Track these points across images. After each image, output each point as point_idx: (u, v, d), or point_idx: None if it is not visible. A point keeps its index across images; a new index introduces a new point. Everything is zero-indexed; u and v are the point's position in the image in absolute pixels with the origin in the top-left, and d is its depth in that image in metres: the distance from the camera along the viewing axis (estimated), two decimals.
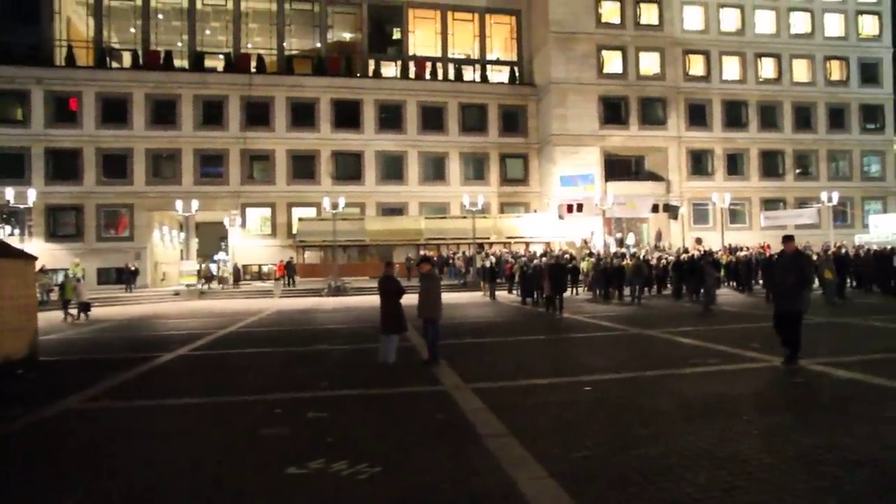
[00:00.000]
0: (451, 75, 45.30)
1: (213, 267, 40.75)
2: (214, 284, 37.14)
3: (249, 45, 43.43)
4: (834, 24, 47.57)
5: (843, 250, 26.50)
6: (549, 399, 7.84)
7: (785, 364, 9.23)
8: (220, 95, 40.40)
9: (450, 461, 5.51)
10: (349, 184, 41.58)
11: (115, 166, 38.80)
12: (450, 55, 45.92)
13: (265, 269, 37.13)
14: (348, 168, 42.42)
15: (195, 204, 35.07)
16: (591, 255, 30.34)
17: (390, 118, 42.90)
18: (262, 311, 23.82)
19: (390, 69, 45.29)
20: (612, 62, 43.10)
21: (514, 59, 47.07)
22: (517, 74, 46.48)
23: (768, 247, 33.80)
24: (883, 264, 24.07)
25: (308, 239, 38.84)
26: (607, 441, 5.92)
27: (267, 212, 41.55)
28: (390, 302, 10.58)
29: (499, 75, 46.87)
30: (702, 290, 19.97)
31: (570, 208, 38.43)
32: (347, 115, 42.12)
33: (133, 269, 34.76)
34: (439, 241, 39.90)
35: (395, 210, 42.66)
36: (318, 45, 44.27)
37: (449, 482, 4.98)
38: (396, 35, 45.86)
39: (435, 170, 43.67)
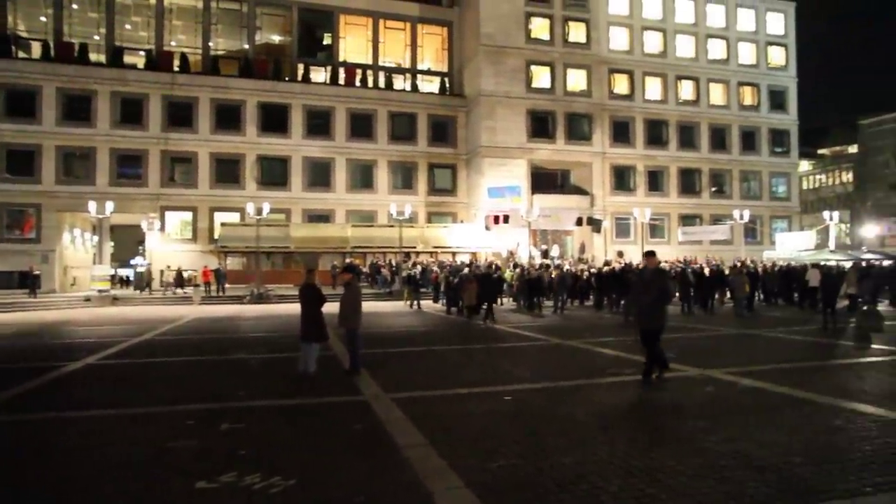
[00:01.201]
0: (382, 83, 45.17)
1: (141, 271, 38.63)
2: (131, 290, 35.41)
3: (173, 43, 41.96)
4: (747, 53, 50.28)
5: (753, 265, 27.84)
6: (469, 409, 7.79)
7: (659, 377, 9.20)
8: (140, 93, 38.79)
9: (366, 472, 5.39)
10: (275, 189, 40.71)
11: (21, 163, 36.50)
12: (380, 63, 45.80)
13: (185, 274, 35.68)
14: (274, 173, 41.53)
15: (110, 206, 33.44)
16: (516, 266, 30.73)
17: (319, 124, 42.31)
18: (180, 318, 22.88)
19: (320, 74, 44.71)
20: (541, 77, 44.03)
21: (445, 69, 47.41)
22: (447, 85, 46.81)
23: (695, 260, 35.00)
24: (789, 280, 25.48)
25: (231, 244, 37.70)
26: (525, 450, 5.92)
27: (188, 216, 40.10)
28: (311, 310, 10.32)
29: (429, 85, 47.08)
30: (622, 302, 20.50)
31: (496, 219, 38.89)
32: (274, 120, 41.28)
33: (36, 272, 32.68)
34: (366, 250, 39.55)
35: (322, 217, 42.04)
36: (246, 46, 43.24)
37: (364, 494, 4.86)
38: (327, 40, 45.36)
39: (363, 178, 43.32)
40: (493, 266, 28.27)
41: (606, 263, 29.77)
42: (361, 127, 43.05)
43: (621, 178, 46.01)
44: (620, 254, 37.15)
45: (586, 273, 27.75)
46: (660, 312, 9.16)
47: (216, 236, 38.63)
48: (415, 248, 39.18)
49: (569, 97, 44.25)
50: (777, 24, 51.47)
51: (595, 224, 40.95)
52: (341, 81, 43.99)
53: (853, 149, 69.49)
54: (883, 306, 22.35)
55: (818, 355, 11.86)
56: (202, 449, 6.21)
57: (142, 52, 41.04)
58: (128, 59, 40.44)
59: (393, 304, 28.77)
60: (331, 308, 10.29)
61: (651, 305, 9.10)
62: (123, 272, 43.11)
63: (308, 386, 9.37)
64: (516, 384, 9.20)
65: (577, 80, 44.81)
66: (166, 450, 6.16)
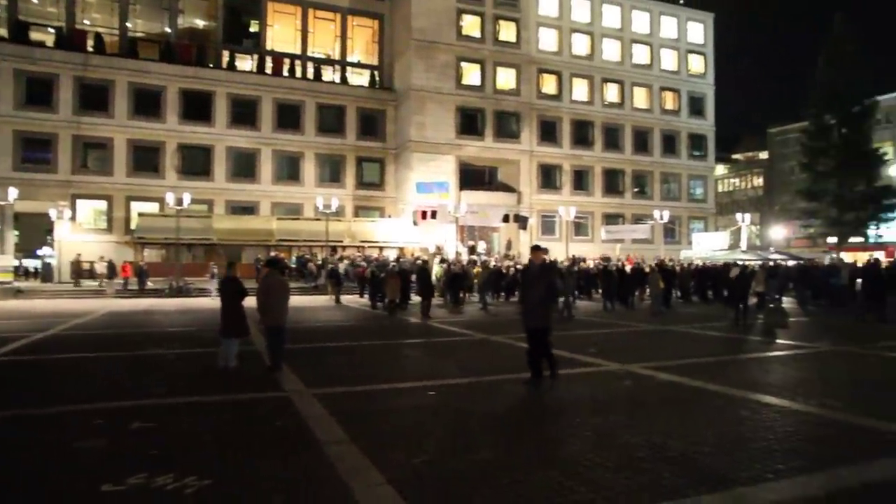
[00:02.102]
0: (310, 74, 44.32)
1: (49, 262, 36.17)
2: (38, 283, 33.26)
3: (86, 22, 39.82)
4: (669, 60, 52.18)
5: (672, 264, 28.92)
6: (393, 404, 7.72)
7: (552, 380, 8.70)
8: (50, 73, 36.57)
9: (285, 470, 5.23)
10: (197, 179, 39.35)
11: None
12: (309, 53, 44.96)
13: (99, 266, 33.80)
14: (196, 163, 40.10)
15: (13, 192, 31.42)
16: (443, 261, 30.82)
17: (244, 113, 41.12)
18: (92, 312, 21.73)
19: (246, 63, 43.44)
20: (471, 74, 44.28)
21: (376, 63, 47.00)
22: (377, 78, 46.42)
23: (631, 258, 35.92)
24: (704, 278, 26.63)
25: (149, 236, 36.08)
26: (447, 446, 5.90)
27: (102, 205, 38.20)
28: (232, 304, 10.00)
29: (359, 78, 46.57)
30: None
31: (424, 215, 38.87)
32: (197, 107, 39.84)
33: None
34: (291, 243, 38.75)
35: (246, 209, 40.93)
36: (168, 29, 41.56)
37: (283, 492, 4.71)
38: (254, 27, 44.12)
39: (289, 170, 42.45)
40: (417, 260, 28.27)
41: (531, 260, 30.24)
42: (288, 118, 42.14)
43: (548, 177, 46.88)
44: (546, 251, 37.82)
45: (512, 269, 28.10)
46: (547, 310, 8.69)
47: (133, 227, 36.97)
48: (342, 242, 38.72)
49: (498, 95, 44.70)
50: (697, 33, 53.65)
51: (521, 221, 41.57)
52: (268, 70, 42.96)
53: (764, 155, 73.31)
54: (788, 303, 23.62)
55: (729, 350, 12.40)
56: (111, 449, 5.86)
57: (51, 29, 38.72)
58: (35, 35, 38.07)
59: (318, 298, 28.32)
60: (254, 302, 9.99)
61: (538, 303, 8.59)
62: (29, 263, 40.59)
63: (227, 382, 9.06)
64: (440, 379, 9.18)
65: (506, 78, 45.31)
66: (70, 452, 5.78)
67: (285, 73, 43.20)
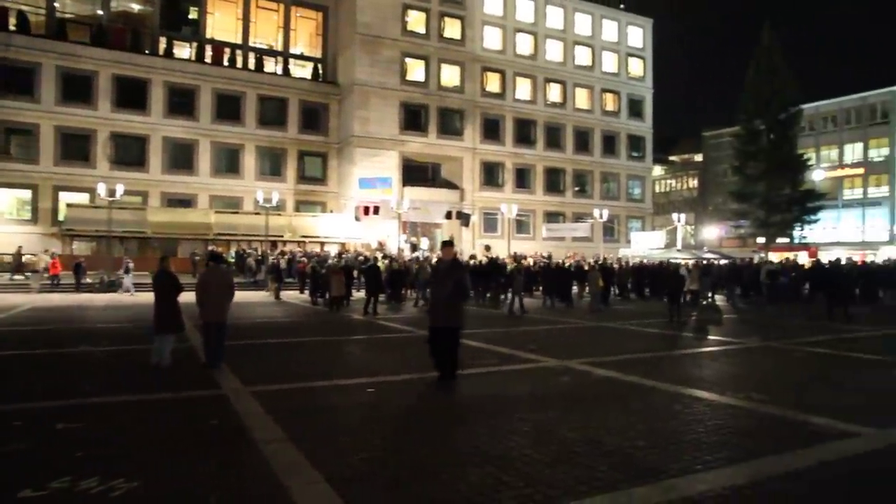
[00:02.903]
0: (252, 65, 43.35)
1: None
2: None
3: None
4: (610, 62, 53.32)
5: (610, 262, 29.57)
6: (331, 401, 7.62)
7: (441, 382, 8.39)
8: None
9: (220, 470, 5.09)
10: (131, 170, 37.99)
11: None
12: (251, 43, 43.97)
13: (24, 258, 32.03)
14: (130, 153, 38.69)
15: None
16: (384, 257, 30.66)
17: (181, 103, 39.91)
18: (15, 307, 20.69)
19: (184, 50, 42.17)
20: (416, 70, 44.16)
21: (319, 55, 46.39)
22: (321, 72, 45.79)
23: (574, 255, 36.28)
24: (640, 276, 27.34)
25: (78, 228, 34.58)
26: (386, 443, 5.86)
27: (27, 194, 36.44)
28: (166, 299, 9.69)
29: (302, 70, 45.84)
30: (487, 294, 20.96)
31: (366, 210, 38.54)
32: (132, 95, 38.43)
33: None
34: (230, 237, 37.87)
35: (184, 202, 39.78)
36: (100, 12, 39.91)
37: (217, 492, 4.57)
38: (193, 14, 42.85)
39: (229, 162, 41.47)
40: (376, 259, 28.04)
41: (472, 257, 30.45)
42: (228, 109, 41.13)
43: (490, 174, 47.24)
44: (487, 247, 38.13)
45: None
46: (457, 309, 8.29)
47: (61, 218, 35.38)
48: (282, 236, 38.06)
49: (442, 92, 44.74)
50: (636, 37, 55.00)
51: (464, 218, 41.76)
52: (208, 59, 41.79)
53: (699, 157, 75.68)
54: (720, 301, 24.49)
55: (664, 346, 12.74)
56: (32, 453, 5.56)
57: None
58: None
59: (257, 294, 27.75)
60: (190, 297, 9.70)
61: (447, 301, 8.23)
62: None
63: (161, 380, 8.77)
64: (380, 376, 9.11)
65: (450, 75, 45.39)
66: None
67: (225, 63, 42.14)
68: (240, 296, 24.51)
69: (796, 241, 47.66)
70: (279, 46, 45.22)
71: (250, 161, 41.89)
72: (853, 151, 59.25)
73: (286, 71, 44.83)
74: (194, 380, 8.79)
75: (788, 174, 46.60)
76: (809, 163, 50.33)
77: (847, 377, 9.47)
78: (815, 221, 47.99)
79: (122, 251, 35.32)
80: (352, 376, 9.13)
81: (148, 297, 12.37)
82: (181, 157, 39.99)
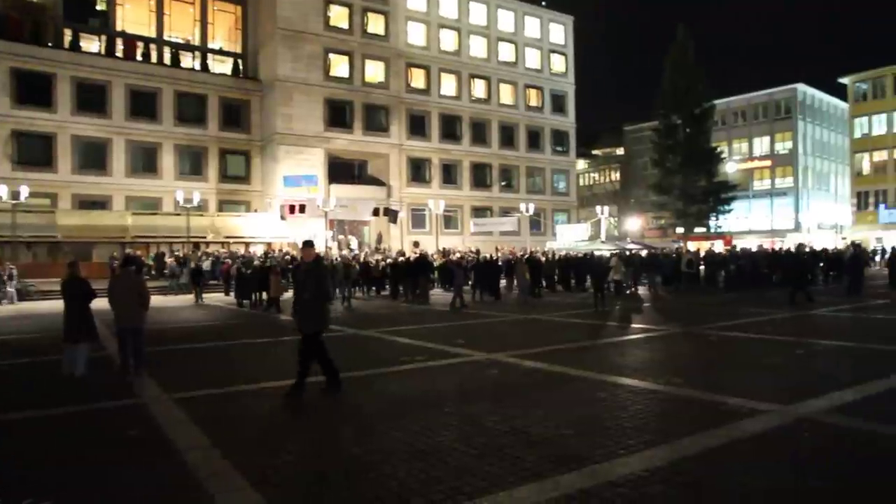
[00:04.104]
0: (168, 60, 41.74)
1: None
2: None
3: None
4: (533, 58, 54.21)
5: (537, 255, 30.04)
6: (258, 405, 7.43)
7: (329, 388, 7.96)
8: None
9: (140, 482, 4.87)
10: (36, 171, 35.93)
11: None
12: (166, 38, 42.34)
13: None
14: (35, 152, 36.55)
15: None
16: None
17: (91, 99, 38.00)
18: None
19: (92, 44, 40.16)
20: (339, 66, 43.62)
21: (239, 50, 45.17)
22: (241, 67, 44.59)
23: (514, 250, 36.62)
24: (567, 268, 27.92)
25: None
26: (313, 444, 5.77)
27: None
28: (77, 306, 9.19)
29: (221, 66, 44.51)
30: (417, 290, 20.94)
31: (292, 209, 37.78)
32: (34, 90, 36.31)
33: None
34: (149, 240, 36.35)
35: (97, 204, 37.90)
36: None
37: None
38: (101, 5, 40.87)
39: (146, 161, 39.84)
40: (284, 255, 27.51)
41: (401, 254, 30.37)
42: (143, 106, 39.48)
43: (417, 170, 47.25)
44: (416, 244, 38.15)
45: (382, 263, 28.04)
46: (320, 311, 7.96)
47: None
48: (205, 238, 36.85)
49: (367, 88, 44.38)
50: (558, 34, 56.13)
51: (391, 215, 41.60)
52: (119, 54, 39.93)
53: (620, 151, 78.01)
54: (642, 290, 25.30)
55: (590, 336, 13.03)
56: None
57: None
58: None
59: (179, 297, 26.81)
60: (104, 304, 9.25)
61: (309, 303, 7.87)
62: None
63: (74, 391, 8.30)
64: (309, 377, 8.90)
65: (375, 71, 45.08)
66: None
67: (139, 58, 40.40)
68: (161, 300, 23.98)
69: (712, 230, 49.86)
70: (196, 41, 43.73)
71: (169, 160, 40.36)
72: (761, 145, 62.55)
73: (204, 66, 43.40)
74: (111, 390, 8.37)
75: (703, 167, 48.73)
76: (722, 156, 52.82)
77: (757, 358, 9.93)
78: (729, 211, 50.39)
79: (30, 256, 33.43)
80: (279, 378, 8.89)
81: (53, 306, 11.73)
82: (93, 157, 38.11)
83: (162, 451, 5.60)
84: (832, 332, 12.46)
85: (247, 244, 37.94)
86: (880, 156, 55.77)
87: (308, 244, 8.29)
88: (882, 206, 54.37)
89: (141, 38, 41.18)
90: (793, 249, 19.51)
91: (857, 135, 57.39)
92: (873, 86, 56.58)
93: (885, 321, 14.30)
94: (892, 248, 27.30)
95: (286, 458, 5.32)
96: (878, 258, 37.68)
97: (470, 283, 23.87)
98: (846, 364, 9.27)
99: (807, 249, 19.02)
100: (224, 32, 45.29)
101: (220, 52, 44.89)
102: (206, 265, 30.22)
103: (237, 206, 42.59)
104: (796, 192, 60.05)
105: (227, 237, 38.28)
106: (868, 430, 5.67)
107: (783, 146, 61.18)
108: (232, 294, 25.64)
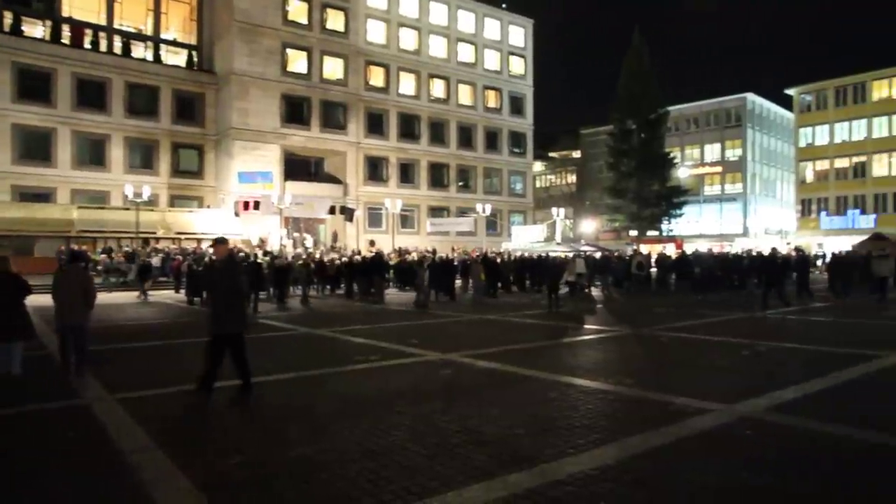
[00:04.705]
0: (118, 49, 40.53)
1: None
2: None
3: None
4: (492, 60, 54.50)
5: (493, 255, 30.19)
6: (204, 405, 7.23)
7: (243, 392, 7.58)
8: None
9: (79, 487, 4.68)
10: None
11: None
12: (116, 26, 41.12)
13: None
14: None
15: None
16: (266, 254, 29.74)
17: (34, 87, 36.61)
18: None
19: (36, 29, 38.68)
20: (297, 62, 43.09)
21: (194, 42, 44.17)
22: (196, 59, 43.62)
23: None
24: (523, 269, 28.14)
25: None
26: (263, 444, 5.64)
27: None
28: (10, 303, 8.79)
29: (175, 57, 43.45)
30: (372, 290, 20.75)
31: (246, 205, 37.11)
32: None
33: None
34: (96, 235, 35.21)
35: (40, 196, 36.54)
36: None
37: None
38: None
39: (93, 153, 38.61)
40: (257, 256, 27.06)
41: (357, 253, 30.18)
42: (92, 95, 38.26)
43: (374, 169, 47.02)
44: (372, 242, 37.96)
45: (337, 261, 27.79)
46: (237, 312, 7.56)
47: None
48: (155, 233, 35.90)
49: (325, 84, 43.95)
50: (518, 37, 56.57)
51: (348, 213, 41.27)
52: (65, 40, 38.58)
53: (577, 154, 79.00)
54: (595, 291, 25.67)
55: (543, 336, 13.14)
56: None
57: None
58: None
59: (128, 294, 26.05)
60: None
61: (224, 304, 7.53)
62: None
63: (8, 392, 7.93)
64: (259, 376, 8.70)
65: (333, 68, 44.68)
66: None
67: (87, 46, 39.10)
68: (108, 297, 23.29)
69: (665, 233, 50.94)
70: (149, 31, 42.60)
71: (118, 153, 39.21)
72: (712, 151, 64.21)
73: (157, 57, 42.31)
74: (50, 390, 8.05)
75: (657, 171, 49.81)
76: (675, 161, 54.02)
77: (705, 359, 10.17)
78: (681, 215, 51.60)
79: None
80: (228, 378, 8.70)
81: None
82: (36, 147, 36.75)
83: (104, 454, 5.41)
84: (776, 334, 12.83)
85: (199, 240, 37.11)
86: (822, 165, 57.85)
87: (220, 241, 7.96)
88: (824, 213, 56.48)
89: (89, 25, 39.88)
90: (766, 254, 20.01)
91: (802, 144, 59.43)
92: (817, 98, 58.65)
93: (826, 324, 14.80)
94: (833, 254, 28.31)
95: (234, 458, 5.19)
96: (819, 262, 39.07)
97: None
98: (788, 364, 9.55)
99: (780, 254, 19.55)
100: (178, 23, 44.22)
101: (174, 43, 43.82)
102: (156, 261, 29.46)
103: (189, 201, 41.65)
104: (745, 197, 61.83)
105: (179, 233, 37.39)
106: (805, 428, 5.85)
107: (733, 153, 62.92)
108: (182, 291, 25.08)
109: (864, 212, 54.10)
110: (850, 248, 32.65)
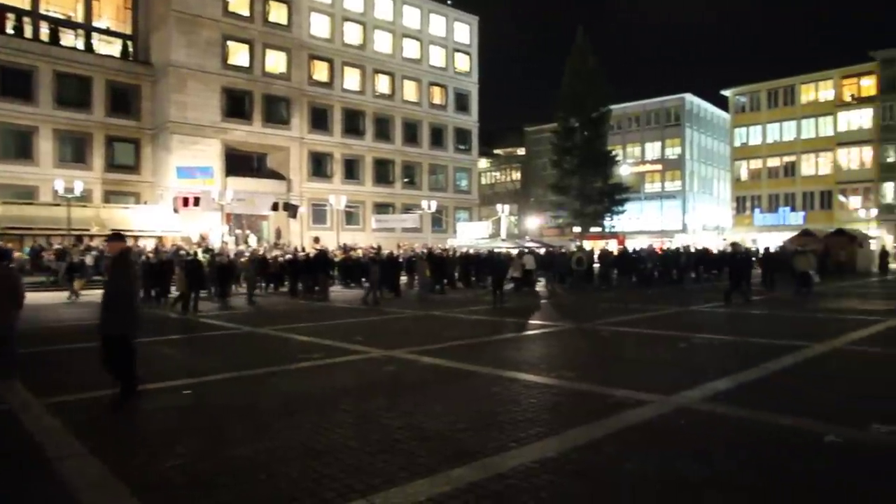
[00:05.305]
0: (45, 36, 38.73)
1: None
2: None
3: None
4: (437, 56, 54.54)
5: (438, 251, 30.22)
6: (143, 408, 6.98)
7: (121, 400, 7.01)
8: None
9: (4, 497, 4.47)
10: None
11: None
12: (43, 11, 39.30)
13: None
14: None
15: None
16: (207, 251, 29.01)
17: None
18: None
19: None
20: (239, 55, 42.15)
21: (129, 32, 42.62)
22: (131, 50, 42.11)
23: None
24: (467, 265, 28.30)
25: None
26: (202, 446, 5.49)
27: None
28: None
29: (108, 47, 41.85)
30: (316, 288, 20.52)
31: (186, 202, 36.07)
32: None
33: None
34: (23, 232, 33.56)
35: None
36: None
37: None
38: None
39: (19, 146, 36.85)
40: (195, 254, 26.34)
41: (302, 250, 29.78)
42: (16, 85, 36.42)
43: (319, 165, 46.47)
44: (317, 239, 37.50)
45: (281, 259, 27.37)
46: (121, 314, 7.03)
47: None
48: (88, 230, 34.50)
49: (267, 78, 43.15)
50: (463, 33, 56.75)
51: (291, 210, 40.66)
52: None
53: (521, 151, 79.87)
54: (539, 287, 26.00)
55: (487, 331, 13.23)
56: None
57: None
58: None
59: (58, 294, 24.98)
60: None
61: (110, 304, 7.08)
62: None
63: None
64: (199, 377, 8.55)
65: (276, 61, 43.90)
66: None
67: (10, 31, 37.23)
68: (37, 297, 22.22)
69: (607, 229, 52.03)
70: (79, 18, 40.87)
71: (46, 146, 37.54)
72: (653, 149, 65.96)
73: (89, 46, 40.63)
74: None
75: (599, 169, 50.80)
76: (617, 159, 55.21)
77: (644, 352, 10.44)
78: (623, 212, 52.78)
79: None
80: (167, 379, 8.46)
81: None
82: None
83: (32, 462, 5.16)
84: (713, 327, 13.27)
85: (136, 238, 35.84)
86: (756, 164, 60.16)
87: (114, 237, 7.55)
88: (757, 210, 58.80)
89: (12, 9, 37.95)
90: (730, 250, 20.50)
91: (737, 144, 61.65)
92: (751, 99, 60.94)
93: (758, 316, 15.38)
94: (766, 248, 29.44)
95: (171, 462, 5.03)
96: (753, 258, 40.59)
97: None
98: (722, 356, 9.87)
99: (743, 250, 20.08)
100: (111, 11, 42.59)
101: (107, 31, 42.20)
102: (89, 260, 28.34)
103: (125, 197, 40.25)
104: (683, 195, 63.77)
105: (115, 230, 35.91)
106: (738, 417, 6.05)
107: (672, 151, 64.77)
108: None
109: (794, 209, 56.59)
110: (781, 244, 34.03)
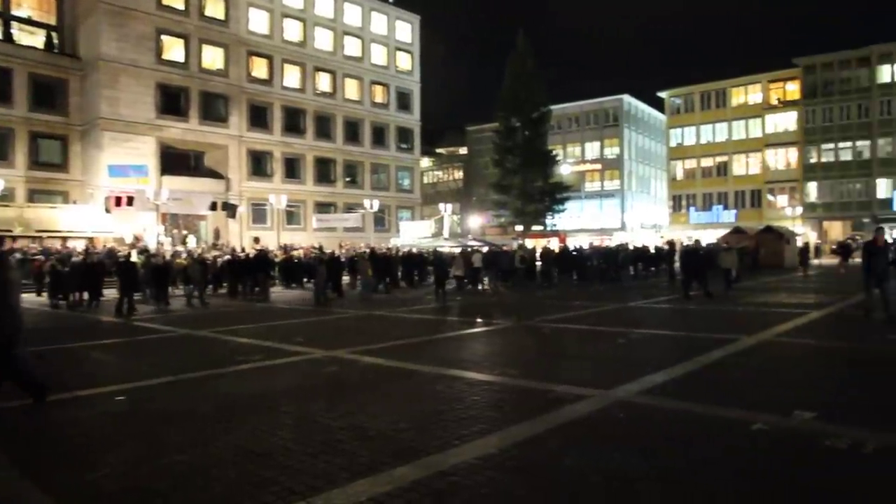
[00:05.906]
0: None
1: None
2: None
3: None
4: (379, 55, 54.26)
5: (384, 251, 30.11)
6: (71, 416, 6.69)
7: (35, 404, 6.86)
8: None
9: None
10: None
11: None
12: None
13: None
14: None
15: None
16: (141, 252, 28.10)
17: None
18: None
19: None
20: (174, 50, 40.93)
21: (53, 22, 40.78)
22: (56, 41, 40.31)
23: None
24: (411, 264, 28.27)
25: None
26: (136, 453, 5.30)
27: None
28: None
29: (31, 38, 39.94)
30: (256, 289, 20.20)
31: (119, 201, 34.76)
32: None
33: None
34: None
35: None
36: None
37: None
38: None
39: None
40: (129, 254, 25.48)
41: (242, 250, 29.19)
42: None
43: (258, 163, 45.61)
44: (257, 240, 36.81)
45: (220, 260, 26.75)
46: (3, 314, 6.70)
47: None
48: (11, 231, 32.88)
49: (204, 75, 42.06)
50: (405, 32, 56.64)
51: (230, 209, 39.76)
52: None
53: (464, 150, 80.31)
54: (483, 285, 26.19)
55: (430, 330, 13.26)
56: None
57: None
58: None
59: None
60: None
61: None
62: None
63: None
64: (133, 382, 8.26)
65: (213, 57, 42.84)
66: None
67: None
68: None
69: (548, 228, 52.83)
70: None
71: None
72: (592, 149, 67.35)
73: (8, 36, 38.66)
74: None
75: (540, 168, 51.53)
76: (557, 158, 56.13)
77: (584, 348, 10.66)
78: (563, 211, 53.70)
79: None
80: (99, 385, 8.14)
81: None
82: None
83: None
84: (650, 323, 13.65)
85: (64, 239, 34.40)
86: (690, 164, 62.24)
87: None
88: (692, 209, 60.85)
89: None
90: (692, 246, 20.86)
91: (673, 144, 63.64)
92: (685, 101, 63.01)
93: (692, 311, 15.90)
94: (683, 245, 30.43)
95: (101, 471, 4.83)
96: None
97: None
98: (659, 350, 10.18)
99: (703, 246, 20.41)
100: (34, 0, 40.66)
101: (29, 21, 40.26)
102: (12, 262, 27.02)
103: (52, 196, 38.55)
104: (622, 194, 65.36)
105: (40, 231, 34.46)
106: (672, 409, 6.25)
107: (611, 151, 66.32)
108: (45, 294, 23.25)
109: (726, 207, 58.83)
110: (714, 241, 35.21)
